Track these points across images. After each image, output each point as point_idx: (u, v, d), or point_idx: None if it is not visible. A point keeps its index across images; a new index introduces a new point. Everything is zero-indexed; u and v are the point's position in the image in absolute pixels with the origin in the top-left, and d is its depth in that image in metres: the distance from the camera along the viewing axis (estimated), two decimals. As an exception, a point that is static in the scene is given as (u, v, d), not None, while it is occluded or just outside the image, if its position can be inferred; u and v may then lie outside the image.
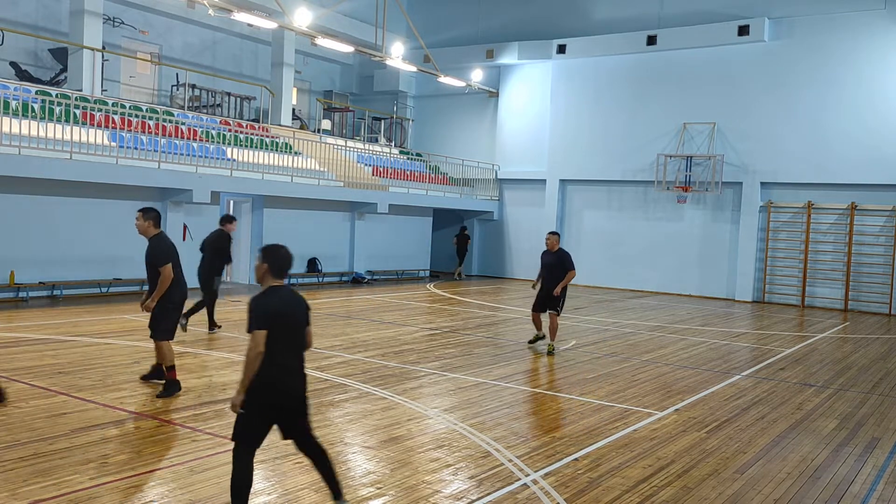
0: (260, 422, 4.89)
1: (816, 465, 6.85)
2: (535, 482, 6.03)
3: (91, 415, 7.28)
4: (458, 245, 26.30)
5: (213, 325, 12.33)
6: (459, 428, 7.46)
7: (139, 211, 8.10)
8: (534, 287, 12.78)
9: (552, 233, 12.57)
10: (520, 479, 6.10)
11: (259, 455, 6.32)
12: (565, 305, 12.70)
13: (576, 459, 6.67)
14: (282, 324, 4.89)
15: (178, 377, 8.28)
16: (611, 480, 6.16)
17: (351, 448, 6.75)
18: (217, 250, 12.25)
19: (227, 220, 12.64)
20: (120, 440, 6.57)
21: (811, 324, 17.99)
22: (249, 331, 4.82)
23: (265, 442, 6.66)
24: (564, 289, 12.10)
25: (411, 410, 8.08)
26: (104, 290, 16.76)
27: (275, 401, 4.89)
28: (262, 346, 4.77)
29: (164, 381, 8.23)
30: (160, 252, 8.00)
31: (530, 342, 12.78)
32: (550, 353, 12.09)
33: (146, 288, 16.44)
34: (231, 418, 7.39)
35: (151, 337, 8.23)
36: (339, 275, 22.68)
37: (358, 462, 6.39)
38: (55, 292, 15.92)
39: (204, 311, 12.26)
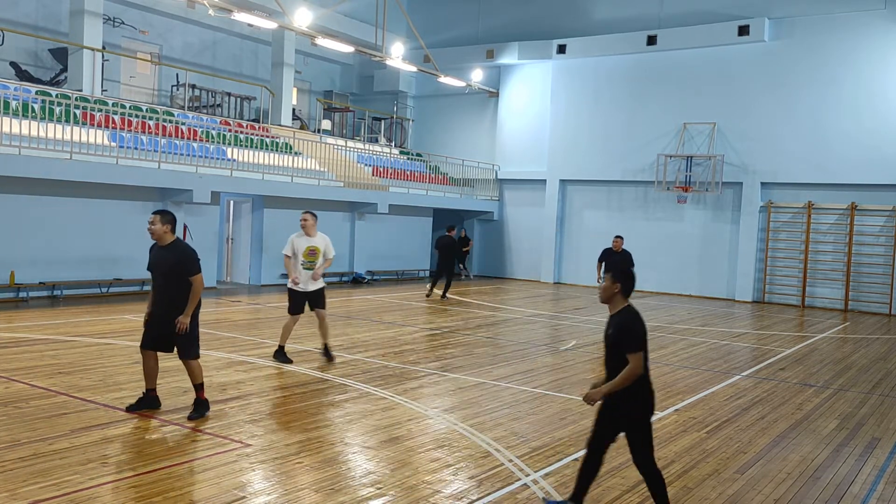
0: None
1: (816, 466, 6.85)
2: (535, 482, 6.03)
3: (91, 415, 7.28)
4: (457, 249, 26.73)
5: (436, 292, 19.31)
6: (459, 428, 7.46)
7: (155, 213, 7.23)
8: (599, 281, 15.40)
9: (618, 236, 15.50)
10: (520, 479, 6.10)
11: (259, 455, 6.34)
12: (567, 305, 13.05)
13: (576, 459, 6.66)
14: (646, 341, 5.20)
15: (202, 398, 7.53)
16: (611, 480, 6.16)
17: (351, 448, 6.75)
18: (447, 249, 19.03)
19: (449, 228, 19.66)
20: (120, 440, 6.56)
21: (811, 324, 17.99)
22: (636, 351, 5.08)
23: (265, 442, 6.69)
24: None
25: (411, 410, 8.07)
26: (104, 290, 16.76)
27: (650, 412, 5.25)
28: (641, 369, 5.09)
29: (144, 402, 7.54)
30: (191, 259, 7.18)
31: None
32: None
33: (146, 288, 16.51)
34: (228, 418, 7.40)
35: (183, 357, 7.40)
36: (339, 275, 22.68)
37: (358, 462, 6.39)
38: (55, 292, 15.92)
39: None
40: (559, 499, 5.57)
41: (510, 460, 6.53)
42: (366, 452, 6.63)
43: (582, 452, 6.86)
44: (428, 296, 19.20)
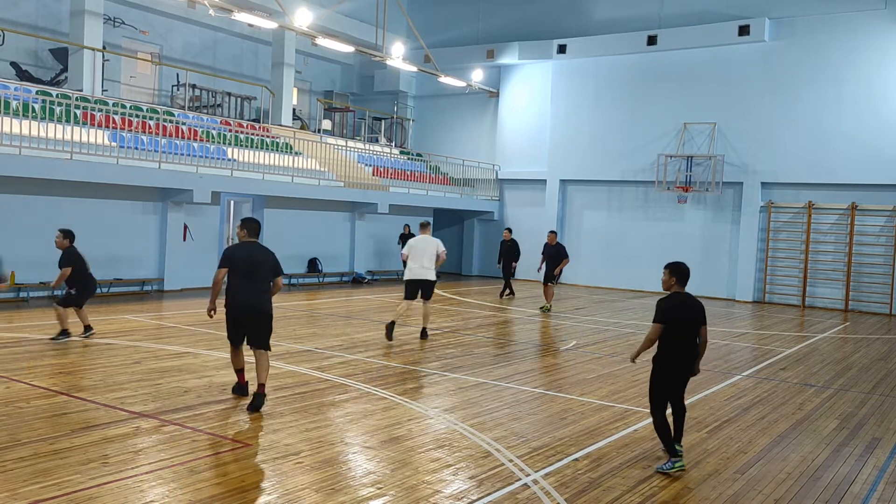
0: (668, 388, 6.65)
1: (817, 466, 6.85)
2: (535, 482, 6.03)
3: (91, 415, 7.28)
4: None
5: (503, 294, 20.39)
6: (460, 428, 7.46)
7: (241, 220, 8.25)
8: (539, 271, 18.63)
9: (552, 231, 18.42)
10: (520, 479, 6.10)
11: (259, 455, 6.35)
12: (567, 305, 13.09)
13: (576, 459, 6.66)
14: (678, 321, 6.50)
15: (245, 382, 8.29)
16: (611, 480, 6.16)
17: (351, 448, 6.75)
18: (505, 251, 20.30)
19: (507, 230, 20.83)
20: (120, 440, 6.56)
21: (812, 324, 17.98)
22: (654, 322, 6.54)
23: (267, 442, 6.69)
24: (560, 270, 17.78)
25: (412, 410, 8.07)
26: (104, 290, 16.75)
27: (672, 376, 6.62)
28: (656, 336, 6.52)
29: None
30: (221, 256, 8.09)
31: (541, 308, 17.76)
32: (545, 310, 17.48)
33: (146, 288, 16.88)
34: (228, 418, 7.41)
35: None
36: (340, 275, 22.69)
37: (358, 462, 6.39)
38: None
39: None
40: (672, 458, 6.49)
41: (510, 460, 6.53)
42: (366, 452, 6.63)
43: (582, 452, 6.88)
44: (502, 296, 20.37)
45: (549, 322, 16.03)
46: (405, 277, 12.67)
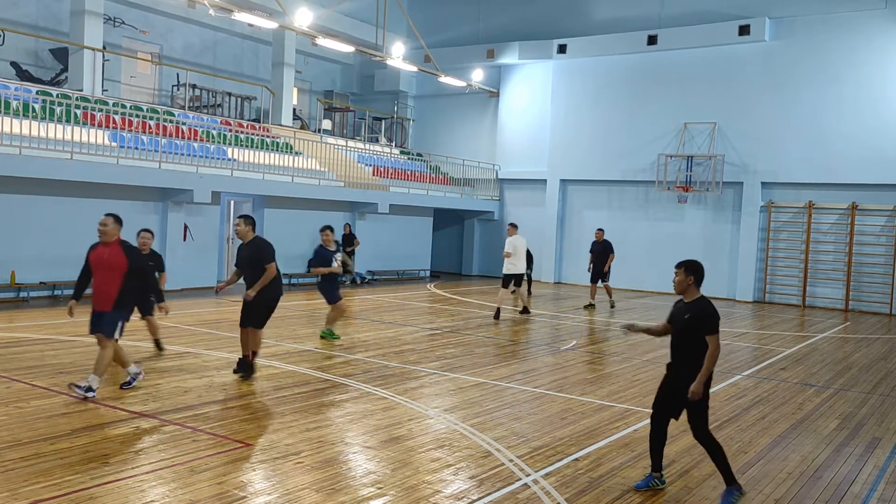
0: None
1: (817, 466, 6.85)
2: (535, 482, 6.03)
3: (91, 415, 7.28)
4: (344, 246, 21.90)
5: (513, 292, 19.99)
6: (460, 428, 7.46)
7: (240, 217, 9.19)
8: (588, 270, 19.06)
9: (599, 229, 19.06)
10: (520, 479, 6.10)
11: (259, 455, 6.35)
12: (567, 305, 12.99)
13: (576, 459, 6.66)
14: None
15: (250, 361, 9.18)
16: (611, 480, 6.16)
17: (352, 448, 6.75)
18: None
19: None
20: (120, 440, 6.57)
21: (812, 324, 17.98)
22: (715, 333, 5.67)
23: (265, 442, 6.70)
24: (609, 266, 18.54)
25: (412, 410, 8.08)
26: (105, 290, 16.73)
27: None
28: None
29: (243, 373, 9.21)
30: (268, 252, 9.07)
31: (585, 307, 18.54)
32: (612, 306, 18.73)
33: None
34: (228, 419, 7.41)
35: (246, 326, 9.18)
36: (340, 274, 22.63)
37: (359, 462, 6.39)
38: (55, 292, 15.93)
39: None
40: (646, 478, 6.04)
41: (511, 460, 6.53)
42: (366, 452, 6.63)
43: (582, 452, 6.88)
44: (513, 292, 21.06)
45: (549, 322, 16.03)
46: (505, 272, 15.73)
